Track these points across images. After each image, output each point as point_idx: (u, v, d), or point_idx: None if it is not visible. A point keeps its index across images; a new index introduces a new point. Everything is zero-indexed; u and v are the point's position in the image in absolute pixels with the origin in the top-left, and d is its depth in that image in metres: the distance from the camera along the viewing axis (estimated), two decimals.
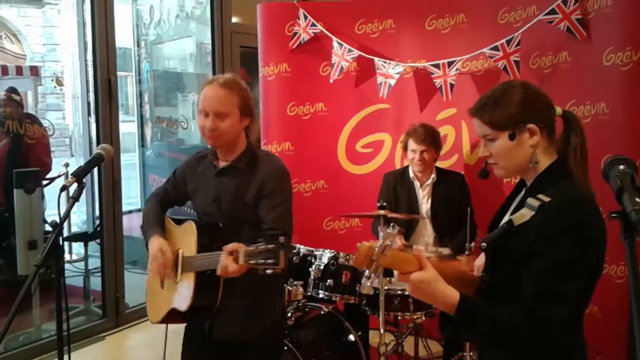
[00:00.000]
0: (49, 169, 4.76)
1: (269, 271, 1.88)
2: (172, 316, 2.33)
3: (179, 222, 2.39)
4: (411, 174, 3.69)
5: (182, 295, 2.22)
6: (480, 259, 1.74)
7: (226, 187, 2.30)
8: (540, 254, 1.47)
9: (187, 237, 2.27)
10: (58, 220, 1.90)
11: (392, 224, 1.49)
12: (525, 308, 1.46)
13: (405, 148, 3.67)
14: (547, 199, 1.51)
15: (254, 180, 2.26)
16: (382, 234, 1.47)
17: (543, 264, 1.46)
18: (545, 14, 3.45)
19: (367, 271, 1.47)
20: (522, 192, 1.68)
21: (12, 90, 4.57)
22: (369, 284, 1.49)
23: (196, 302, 2.17)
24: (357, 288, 3.17)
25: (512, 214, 1.61)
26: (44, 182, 4.50)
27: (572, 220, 1.47)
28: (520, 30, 3.55)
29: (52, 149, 4.94)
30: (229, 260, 1.95)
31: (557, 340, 1.46)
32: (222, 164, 2.34)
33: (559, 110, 1.63)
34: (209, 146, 2.37)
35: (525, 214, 1.53)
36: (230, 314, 2.25)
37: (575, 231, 1.46)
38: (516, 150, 1.59)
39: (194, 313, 2.25)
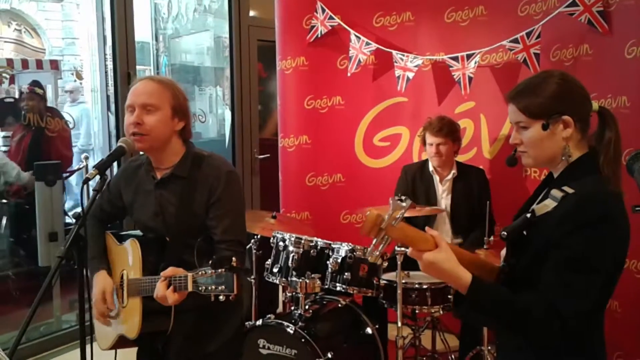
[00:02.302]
0: (69, 162, 4.81)
1: (221, 298, 1.70)
2: (122, 342, 2.17)
3: (120, 238, 2.19)
4: (430, 168, 3.68)
5: (130, 322, 2.06)
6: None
7: (169, 199, 2.10)
8: (558, 246, 1.47)
9: (131, 257, 2.08)
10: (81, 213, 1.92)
11: (404, 197, 1.48)
12: (545, 299, 1.45)
13: (423, 142, 3.65)
14: (570, 191, 1.50)
15: (200, 186, 2.07)
16: (391, 203, 1.47)
17: (561, 256, 1.46)
18: (566, 6, 3.41)
19: (374, 240, 1.47)
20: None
21: (36, 84, 4.62)
22: (376, 252, 1.48)
23: (145, 329, 2.01)
24: (374, 281, 3.18)
25: (537, 205, 1.60)
26: (64, 175, 4.55)
27: (592, 214, 1.46)
28: (541, 23, 3.52)
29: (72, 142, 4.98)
30: (165, 290, 1.79)
31: (573, 333, 1.45)
32: (160, 174, 2.13)
33: (595, 105, 1.61)
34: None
35: (547, 205, 1.53)
36: (182, 333, 2.10)
37: (595, 226, 1.45)
38: (547, 141, 1.58)
39: (145, 338, 2.10)
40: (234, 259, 1.73)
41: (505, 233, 1.60)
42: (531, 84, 1.62)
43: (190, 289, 1.73)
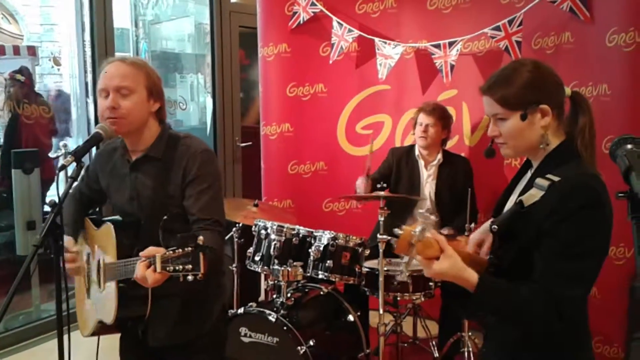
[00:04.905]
0: (49, 150, 4.73)
1: (189, 278, 1.61)
2: (103, 328, 2.12)
3: (99, 223, 2.13)
4: (417, 153, 3.68)
5: (107, 307, 2.01)
6: (476, 234, 1.73)
7: (144, 181, 2.05)
8: (552, 234, 1.47)
9: (106, 241, 2.03)
10: (57, 200, 1.88)
11: (426, 208, 1.47)
12: (542, 290, 1.45)
13: (414, 124, 3.67)
14: (556, 179, 1.50)
15: (175, 167, 2.01)
16: (419, 218, 1.43)
17: (556, 243, 1.46)
18: None
19: (405, 257, 1.45)
20: (529, 173, 1.67)
21: (21, 70, 4.54)
22: (405, 270, 1.46)
23: (121, 314, 1.96)
24: (356, 269, 3.18)
25: (520, 195, 1.60)
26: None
27: (583, 199, 1.46)
28: (523, 10, 3.52)
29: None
30: (145, 270, 1.68)
31: (570, 319, 1.46)
32: (135, 156, 2.08)
33: (568, 91, 1.62)
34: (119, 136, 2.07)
35: (534, 194, 1.52)
36: (163, 319, 2.05)
37: (587, 210, 1.45)
38: (527, 131, 1.58)
39: (125, 323, 2.06)
40: (200, 237, 1.65)
41: (496, 227, 1.59)
42: (504, 75, 1.61)
43: (159, 269, 1.64)
